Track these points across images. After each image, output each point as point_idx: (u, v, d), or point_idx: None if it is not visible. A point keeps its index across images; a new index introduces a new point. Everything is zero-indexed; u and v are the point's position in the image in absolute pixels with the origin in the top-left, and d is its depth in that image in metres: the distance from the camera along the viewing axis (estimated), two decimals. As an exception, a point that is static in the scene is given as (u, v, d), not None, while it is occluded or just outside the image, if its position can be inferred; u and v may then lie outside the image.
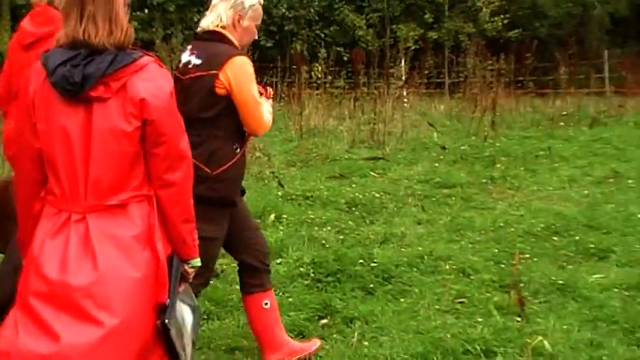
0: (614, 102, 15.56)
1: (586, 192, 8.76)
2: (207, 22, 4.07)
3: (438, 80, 21.69)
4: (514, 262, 5.34)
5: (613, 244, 6.55)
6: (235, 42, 4.05)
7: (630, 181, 9.12)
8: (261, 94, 4.17)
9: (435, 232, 7.12)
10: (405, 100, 15.87)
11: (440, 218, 7.66)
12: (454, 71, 19.77)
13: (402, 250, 6.40)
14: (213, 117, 3.95)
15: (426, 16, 21.86)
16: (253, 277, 4.32)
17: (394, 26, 22.17)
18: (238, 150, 4.04)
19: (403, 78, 15.80)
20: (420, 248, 6.38)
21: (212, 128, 3.96)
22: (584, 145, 11.69)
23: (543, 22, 23.59)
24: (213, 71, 3.91)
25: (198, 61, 3.99)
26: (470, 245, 6.70)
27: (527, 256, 6.26)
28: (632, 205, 7.81)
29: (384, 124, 12.48)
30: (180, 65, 4.08)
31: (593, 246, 6.49)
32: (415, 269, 5.94)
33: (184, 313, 3.00)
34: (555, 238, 6.84)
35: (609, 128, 13.30)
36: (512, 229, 7.13)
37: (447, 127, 13.45)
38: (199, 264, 3.01)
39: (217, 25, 4.03)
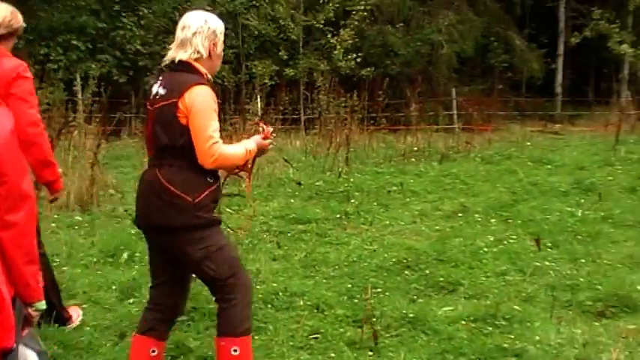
0: (462, 138, 16.11)
1: (436, 226, 9.00)
2: (183, 55, 4.11)
3: (294, 116, 21.92)
4: (366, 297, 5.43)
5: (461, 277, 6.75)
6: (204, 71, 4.15)
7: (477, 215, 9.45)
8: (259, 131, 4.46)
9: (290, 268, 7.15)
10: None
11: (295, 254, 7.71)
12: (309, 107, 20.03)
13: (257, 286, 6.38)
14: (182, 145, 4.01)
15: (281, 53, 22.11)
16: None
17: (249, 63, 22.31)
18: (211, 180, 4.12)
19: (259, 114, 15.88)
20: (274, 284, 6.40)
21: (182, 158, 4.02)
22: (434, 180, 12.02)
23: (394, 61, 24.25)
24: (174, 99, 4.00)
25: (163, 91, 4.08)
26: (324, 280, 6.77)
27: (380, 290, 6.38)
28: (479, 239, 8.09)
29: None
30: (151, 96, 4.18)
31: (442, 279, 6.67)
32: (270, 306, 5.95)
33: (29, 357, 2.91)
34: (407, 272, 6.99)
35: (458, 164, 13.73)
36: (366, 264, 7.25)
37: (302, 162, 13.58)
38: (44, 307, 2.94)
39: (195, 59, 4.13)
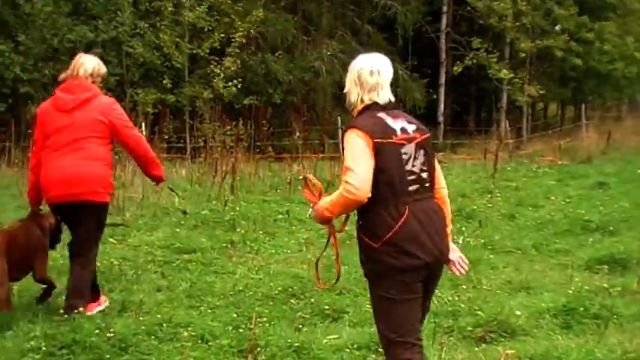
0: (347, 167, 16.29)
1: (323, 254, 9.02)
2: (388, 96, 4.30)
3: (179, 145, 21.75)
4: (251, 327, 5.41)
5: (346, 304, 6.81)
6: None
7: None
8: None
9: (175, 299, 7.06)
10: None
11: (180, 284, 7.61)
12: (194, 136, 19.92)
13: (141, 318, 6.27)
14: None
15: (165, 81, 21.92)
16: None
17: (132, 91, 22.04)
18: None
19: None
20: (159, 315, 6.28)
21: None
22: (320, 209, 12.08)
23: (277, 88, 24.36)
24: (427, 134, 4.33)
25: (413, 127, 4.26)
26: (209, 310, 6.70)
27: (266, 319, 6.36)
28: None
29: (124, 190, 12.28)
30: (399, 132, 4.17)
31: (327, 307, 6.71)
32: (154, 337, 5.83)
33: None
34: (292, 301, 7.00)
35: (344, 192, 13.86)
36: (252, 293, 7.23)
37: (188, 191, 13.46)
38: None
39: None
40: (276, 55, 25.15)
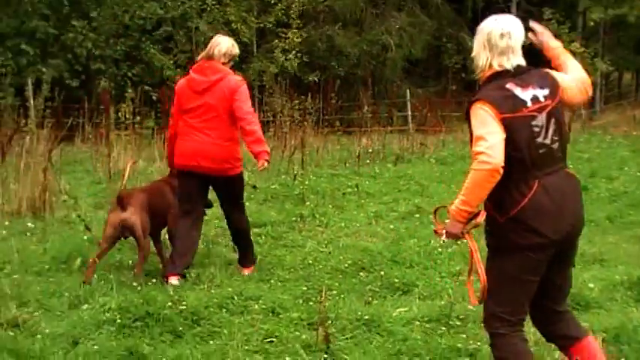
0: (416, 140, 16.22)
1: (391, 227, 9.05)
2: (519, 61, 4.08)
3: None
4: (321, 300, 5.43)
5: (416, 278, 6.80)
6: None
7: (432, 216, 9.47)
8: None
9: (246, 272, 7.13)
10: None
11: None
12: (263, 111, 20.01)
13: (212, 291, 6.36)
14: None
15: (234, 59, 22.02)
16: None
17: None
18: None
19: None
20: (230, 289, 6.36)
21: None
22: (389, 182, 12.09)
23: (343, 62, 24.23)
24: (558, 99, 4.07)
25: (545, 92, 4.03)
26: (280, 284, 6.77)
27: (335, 292, 6.40)
28: (434, 240, 8.12)
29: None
30: (529, 104, 3.97)
31: (397, 280, 6.70)
32: (225, 310, 5.92)
33: None
34: (362, 274, 7.02)
35: (412, 165, 13.84)
36: (321, 266, 7.28)
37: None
38: None
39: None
40: (343, 28, 25.03)
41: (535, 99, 3.98)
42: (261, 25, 22.54)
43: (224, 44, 7.08)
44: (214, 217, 9.53)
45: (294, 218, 9.53)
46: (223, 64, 7.04)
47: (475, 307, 6.56)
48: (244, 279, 6.87)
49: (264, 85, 21.97)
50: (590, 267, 7.21)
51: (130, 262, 7.32)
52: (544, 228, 3.90)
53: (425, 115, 19.40)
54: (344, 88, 21.07)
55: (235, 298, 6.14)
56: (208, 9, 22.43)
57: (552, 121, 3.99)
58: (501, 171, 3.82)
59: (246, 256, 7.35)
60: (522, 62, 4.10)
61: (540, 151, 3.94)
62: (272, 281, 6.84)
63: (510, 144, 3.86)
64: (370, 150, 14.92)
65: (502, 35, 4.06)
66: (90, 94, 20.20)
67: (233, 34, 22.38)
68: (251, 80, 22.64)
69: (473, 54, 4.20)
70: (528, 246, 3.92)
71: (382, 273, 6.93)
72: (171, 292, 6.07)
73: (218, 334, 5.46)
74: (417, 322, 5.63)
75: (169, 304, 5.72)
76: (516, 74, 4.05)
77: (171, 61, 21.89)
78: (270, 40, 23.27)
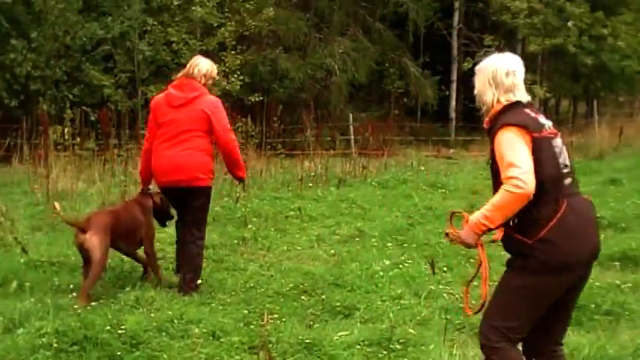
0: (359, 163, 16.29)
1: (333, 251, 9.06)
2: (524, 96, 4.25)
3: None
4: (263, 323, 5.41)
5: (357, 301, 6.81)
6: None
7: (373, 239, 9.55)
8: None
9: (187, 296, 7.06)
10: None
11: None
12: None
13: (152, 314, 6.29)
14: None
15: (173, 77, 21.79)
16: None
17: (144, 87, 22.03)
18: None
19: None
20: (170, 312, 6.30)
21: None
22: (331, 205, 12.11)
23: (287, 85, 24.30)
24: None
25: (550, 122, 4.23)
26: (221, 307, 6.72)
27: (277, 316, 6.38)
28: (375, 263, 8.17)
29: (136, 187, 12.29)
30: (546, 127, 4.17)
31: (339, 304, 6.71)
32: (165, 334, 5.86)
33: None
34: (304, 298, 7.01)
35: (355, 188, 13.88)
36: (263, 290, 7.26)
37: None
38: None
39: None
40: (287, 52, 25.10)
41: (547, 125, 4.19)
42: (204, 48, 22.44)
43: (204, 65, 7.41)
44: (156, 240, 9.45)
45: (236, 241, 9.49)
46: (202, 84, 7.34)
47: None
48: (185, 302, 6.80)
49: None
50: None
51: (70, 285, 7.19)
52: (572, 248, 3.99)
53: (367, 139, 19.51)
54: (287, 112, 21.06)
55: (175, 321, 6.09)
56: (149, 29, 22.29)
57: (563, 147, 4.17)
58: (532, 197, 3.91)
59: (187, 284, 7.19)
60: (528, 98, 4.29)
61: (564, 171, 4.09)
62: (213, 304, 6.79)
63: (539, 163, 3.97)
64: (313, 173, 14.93)
65: (507, 74, 4.22)
66: (29, 115, 19.89)
67: (175, 55, 22.33)
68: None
69: (476, 91, 4.33)
70: (555, 267, 3.98)
71: (324, 297, 6.94)
72: (110, 316, 5.98)
73: (157, 358, 5.40)
74: (358, 346, 5.64)
75: (108, 327, 5.65)
76: (526, 105, 4.23)
77: (112, 81, 21.65)
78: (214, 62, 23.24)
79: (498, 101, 4.20)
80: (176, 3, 22.35)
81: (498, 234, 4.14)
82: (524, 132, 4.01)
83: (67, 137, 14.46)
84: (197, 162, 7.19)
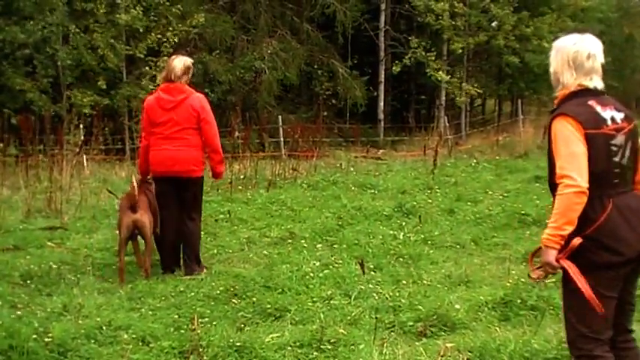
0: (289, 165, 16.31)
1: (264, 253, 9.05)
2: (601, 83, 4.16)
3: (118, 146, 21.50)
4: (193, 327, 5.38)
5: (288, 303, 6.80)
6: None
7: (304, 241, 9.57)
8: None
9: (116, 302, 6.99)
10: (86, 165, 15.68)
11: (121, 287, 7.56)
12: (132, 138, 19.74)
13: (80, 321, 6.20)
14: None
15: (100, 83, 21.54)
16: None
17: (69, 92, 21.69)
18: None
19: (79, 144, 15.47)
20: (98, 319, 6.22)
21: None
22: (261, 208, 12.09)
23: (216, 88, 24.19)
24: (634, 123, 4.13)
25: (622, 115, 4.10)
26: (150, 312, 6.65)
27: (207, 319, 6.34)
28: (306, 265, 8.18)
29: (62, 193, 12.14)
30: (609, 123, 4.05)
31: (269, 306, 6.69)
32: (93, 341, 5.78)
33: None
34: (234, 301, 6.97)
35: (285, 190, 13.88)
36: (193, 294, 7.20)
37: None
38: None
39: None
40: (215, 55, 24.97)
41: (613, 119, 4.07)
42: (131, 52, 22.22)
43: (178, 67, 8.16)
44: (83, 246, 9.35)
45: (165, 245, 9.40)
46: (186, 82, 8.22)
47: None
48: (114, 308, 6.73)
49: (134, 111, 21.65)
50: (456, 288, 7.40)
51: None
52: (619, 246, 3.96)
53: (297, 141, 19.54)
54: (216, 114, 20.98)
55: (104, 328, 6.01)
56: (71, 34, 21.91)
57: (629, 143, 4.09)
58: (587, 192, 3.90)
59: (191, 264, 8.16)
60: (602, 85, 4.19)
61: (615, 171, 4.02)
62: (142, 310, 6.72)
63: (590, 160, 3.94)
64: (242, 176, 14.91)
65: (589, 56, 4.13)
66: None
67: (101, 60, 22.06)
68: (119, 107, 22.30)
69: (552, 70, 4.24)
70: (604, 264, 3.97)
71: (254, 299, 6.92)
72: (36, 324, 5.88)
73: (86, 366, 5.33)
74: (289, 348, 5.64)
75: (34, 336, 5.55)
76: (597, 94, 4.14)
77: (34, 86, 21.22)
78: (141, 67, 22.96)
79: (573, 84, 4.15)
80: (102, 11, 22.03)
81: (575, 241, 3.96)
82: (579, 126, 3.97)
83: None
84: (191, 156, 8.17)
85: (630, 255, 4.00)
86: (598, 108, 4.07)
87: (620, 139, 4.05)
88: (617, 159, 4.03)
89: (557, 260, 4.01)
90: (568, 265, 4.00)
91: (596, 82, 4.16)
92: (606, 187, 4.00)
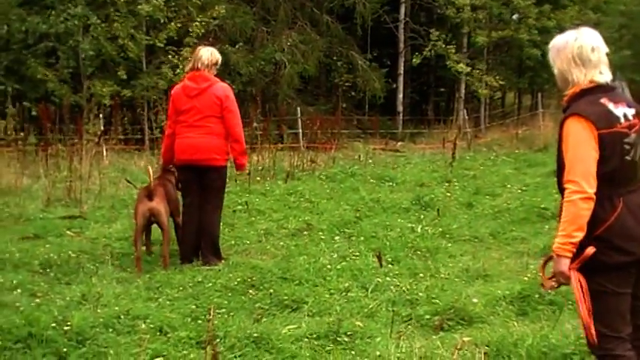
0: (307, 157, 16.31)
1: (281, 244, 9.07)
2: (609, 76, 4.08)
3: (137, 137, 21.53)
4: (210, 318, 5.40)
5: (305, 294, 6.82)
6: None
7: (321, 233, 9.58)
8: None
9: (134, 291, 7.03)
10: (106, 155, 15.76)
11: (139, 276, 7.59)
12: (152, 127, 19.74)
13: (99, 310, 6.25)
14: None
15: (120, 73, 21.58)
16: None
17: (89, 82, 21.72)
18: None
19: (99, 134, 15.54)
20: (116, 308, 6.26)
21: None
22: (279, 199, 12.11)
23: (237, 80, 24.17)
24: None
25: (633, 111, 4.03)
26: (168, 302, 6.69)
27: (224, 310, 6.38)
28: (323, 257, 8.20)
29: (82, 182, 12.21)
30: (622, 121, 3.97)
31: (287, 297, 6.72)
32: (111, 330, 5.82)
33: None
34: (251, 292, 7.00)
35: (303, 182, 13.89)
36: (211, 284, 7.23)
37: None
38: None
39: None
40: (237, 47, 24.94)
41: (625, 116, 4.00)
42: (151, 42, 22.20)
43: (205, 56, 8.35)
44: (102, 235, 9.40)
45: (183, 236, 9.43)
46: (211, 72, 8.38)
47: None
48: (132, 297, 6.77)
49: (153, 101, 21.66)
50: (473, 282, 7.39)
51: (13, 281, 7.10)
52: (630, 246, 3.93)
53: (315, 133, 19.52)
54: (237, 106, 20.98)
55: (122, 317, 6.05)
56: (92, 26, 21.93)
57: None
58: (594, 197, 3.86)
59: (208, 254, 8.22)
60: (610, 77, 4.10)
61: (627, 169, 3.98)
62: (160, 300, 6.76)
63: (602, 160, 3.89)
64: (261, 167, 14.93)
65: (593, 49, 4.05)
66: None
67: (121, 49, 22.07)
68: (139, 97, 22.32)
69: (557, 70, 4.15)
70: (614, 264, 3.94)
71: (271, 290, 6.94)
72: (56, 313, 5.92)
73: (104, 355, 5.36)
74: (306, 339, 5.65)
75: (53, 324, 5.59)
76: (607, 90, 4.06)
77: (55, 76, 21.28)
78: (160, 56, 22.96)
79: (585, 81, 4.06)
80: (123, 1, 22.04)
81: (588, 250, 3.90)
82: (592, 126, 3.89)
83: (9, 132, 14.27)
84: (213, 145, 8.23)
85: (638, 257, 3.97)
86: (610, 105, 3.98)
87: (632, 136, 4.00)
88: (629, 157, 3.98)
89: (569, 269, 3.95)
90: (577, 279, 3.94)
91: (606, 75, 4.07)
92: (617, 186, 3.95)
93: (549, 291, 4.50)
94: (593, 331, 3.93)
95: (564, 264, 3.94)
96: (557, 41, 4.17)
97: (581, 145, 3.90)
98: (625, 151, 3.96)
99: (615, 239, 3.92)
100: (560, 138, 4.02)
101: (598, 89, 4.04)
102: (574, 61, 4.05)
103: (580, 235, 3.90)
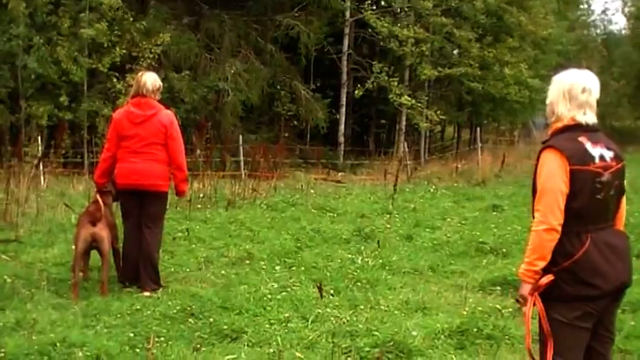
0: (249, 185, 16.28)
1: (222, 273, 9.02)
2: (593, 118, 4.22)
3: (77, 160, 21.27)
4: (149, 347, 5.34)
5: (245, 324, 6.79)
6: None
7: (262, 262, 9.56)
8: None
9: (70, 318, 6.92)
10: (44, 178, 15.51)
11: (75, 303, 7.48)
12: (92, 152, 19.55)
13: (34, 337, 6.13)
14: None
15: (62, 98, 21.34)
16: None
17: (28, 103, 21.43)
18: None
19: (38, 156, 15.31)
20: (52, 335, 6.16)
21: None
22: (220, 227, 12.05)
23: (180, 107, 24.08)
24: (622, 163, 4.21)
25: (611, 153, 4.17)
26: (106, 330, 6.60)
27: (163, 339, 6.31)
28: (264, 286, 8.18)
29: (18, 205, 11.99)
30: (597, 161, 4.10)
31: (226, 327, 6.68)
32: (47, 357, 5.73)
33: None
34: (191, 320, 6.95)
35: (244, 210, 13.85)
36: (149, 312, 7.16)
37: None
38: None
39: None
40: (182, 74, 24.87)
41: (602, 157, 4.13)
42: (94, 66, 22.02)
43: (149, 82, 8.33)
44: (38, 260, 9.24)
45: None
46: (155, 98, 8.36)
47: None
48: (68, 324, 6.66)
49: (95, 126, 21.46)
50: (413, 315, 7.43)
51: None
52: (596, 280, 4.03)
53: (258, 161, 19.50)
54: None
55: (58, 344, 5.94)
56: (35, 47, 21.68)
57: (615, 182, 4.15)
58: (559, 229, 3.97)
59: (147, 279, 8.17)
60: (595, 120, 4.24)
61: (597, 208, 4.07)
62: (98, 327, 6.66)
63: (572, 196, 4.01)
64: (202, 194, 14.85)
65: (584, 90, 4.19)
66: None
67: (62, 73, 21.83)
68: (80, 121, 22.07)
69: (549, 101, 4.30)
70: (579, 297, 4.04)
71: (211, 319, 6.89)
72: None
73: (39, 384, 5.26)
74: (244, 370, 5.63)
75: (-13, 351, 5.47)
76: (588, 130, 4.18)
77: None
78: (104, 82, 22.80)
79: (566, 117, 4.22)
80: (66, 25, 21.84)
81: (544, 280, 4.06)
82: (565, 160, 4.04)
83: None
84: (157, 170, 8.26)
85: (607, 289, 4.08)
86: (588, 145, 4.14)
87: (606, 177, 4.12)
88: (600, 196, 4.10)
89: (529, 294, 4.10)
90: (532, 304, 4.10)
91: (589, 117, 4.22)
92: (586, 223, 4.07)
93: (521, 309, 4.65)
94: (532, 354, 4.08)
95: (526, 289, 4.12)
96: (558, 75, 4.36)
97: (553, 177, 4.04)
98: (596, 190, 4.08)
99: (581, 273, 4.03)
100: (536, 167, 4.17)
101: (579, 127, 4.19)
102: (563, 95, 4.23)
103: (542, 264, 4.05)
